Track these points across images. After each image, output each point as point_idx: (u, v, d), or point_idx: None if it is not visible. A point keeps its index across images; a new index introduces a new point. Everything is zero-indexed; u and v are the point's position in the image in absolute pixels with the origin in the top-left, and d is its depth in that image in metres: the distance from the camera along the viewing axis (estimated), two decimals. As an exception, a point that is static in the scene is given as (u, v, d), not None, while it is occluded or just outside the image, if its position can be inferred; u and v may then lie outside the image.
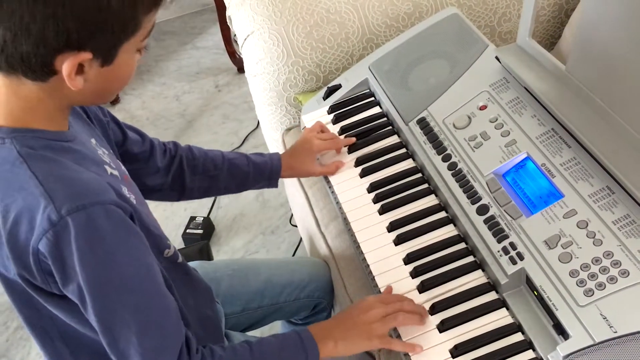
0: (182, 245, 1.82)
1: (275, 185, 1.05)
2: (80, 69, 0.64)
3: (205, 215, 1.90)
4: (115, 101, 2.48)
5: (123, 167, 0.82)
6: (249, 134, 2.23)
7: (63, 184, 0.64)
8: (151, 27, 0.67)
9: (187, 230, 1.84)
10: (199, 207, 1.97)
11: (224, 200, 1.99)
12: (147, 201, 0.85)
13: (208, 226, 1.86)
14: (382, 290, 0.88)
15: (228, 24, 1.48)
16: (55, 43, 0.60)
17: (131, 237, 0.67)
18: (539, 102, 0.93)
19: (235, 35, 1.46)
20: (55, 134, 0.69)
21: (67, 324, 0.72)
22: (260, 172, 1.03)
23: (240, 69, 2.53)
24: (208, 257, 1.75)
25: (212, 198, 1.98)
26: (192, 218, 1.87)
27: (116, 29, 0.62)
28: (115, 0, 0.60)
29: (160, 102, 2.49)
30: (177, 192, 1.00)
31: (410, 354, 0.79)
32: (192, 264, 1.06)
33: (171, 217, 1.95)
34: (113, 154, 0.83)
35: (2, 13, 0.59)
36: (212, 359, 0.73)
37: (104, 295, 0.65)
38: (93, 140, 0.79)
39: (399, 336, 0.82)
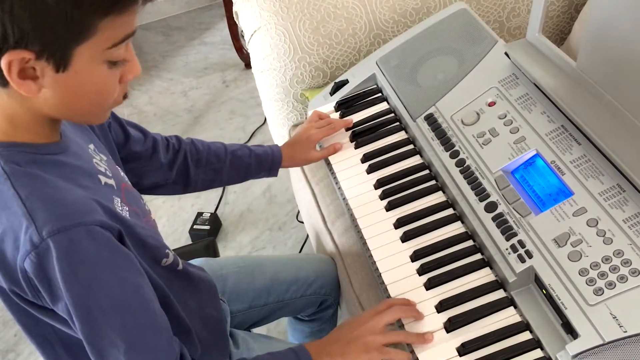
0: (189, 241, 1.83)
1: (275, 175, 1.07)
2: (32, 74, 0.60)
3: (213, 211, 1.90)
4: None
5: (122, 174, 0.80)
6: (256, 130, 2.23)
7: (45, 204, 0.62)
8: (121, 36, 0.62)
9: (194, 226, 1.84)
10: (206, 203, 1.97)
11: (231, 196, 1.99)
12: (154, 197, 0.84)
13: (215, 222, 1.86)
14: (388, 287, 0.87)
15: (235, 19, 1.47)
16: None
17: (116, 257, 0.65)
18: (548, 98, 0.92)
19: (242, 30, 1.46)
20: (43, 147, 0.67)
21: (65, 331, 0.71)
22: (261, 163, 1.04)
23: (248, 65, 2.53)
24: (214, 253, 1.74)
25: (219, 194, 1.98)
26: (199, 214, 1.87)
27: (57, 28, 0.57)
28: None
29: (167, 97, 2.49)
30: (182, 185, 1.00)
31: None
32: (198, 261, 1.06)
33: (178, 213, 1.96)
34: (112, 159, 0.81)
35: None
36: None
37: (90, 317, 0.64)
38: (91, 146, 0.77)
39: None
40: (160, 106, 2.45)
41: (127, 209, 0.72)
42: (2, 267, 0.64)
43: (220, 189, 2.00)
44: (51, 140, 0.69)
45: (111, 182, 0.74)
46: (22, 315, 0.70)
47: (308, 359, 0.78)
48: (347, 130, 1.12)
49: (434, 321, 0.81)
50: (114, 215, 0.68)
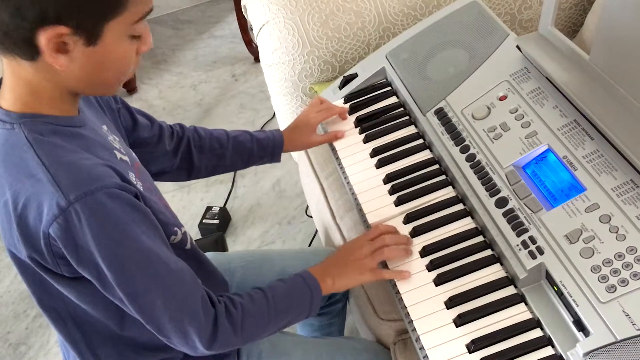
0: (199, 236, 1.83)
1: (278, 160, 1.09)
2: (64, 48, 0.64)
3: (222, 206, 1.90)
4: (132, 91, 2.49)
5: (134, 155, 0.84)
6: (265, 124, 2.22)
7: (70, 171, 0.66)
8: (144, 11, 0.67)
9: (204, 221, 1.84)
10: (215, 197, 1.97)
11: (241, 190, 1.99)
12: (161, 184, 0.87)
13: (224, 216, 1.86)
14: (397, 283, 0.87)
15: (243, 13, 1.47)
16: (31, 15, 0.60)
17: (138, 213, 0.69)
18: (561, 92, 0.91)
19: (251, 24, 1.45)
20: (64, 119, 0.70)
21: (77, 307, 0.74)
22: (263, 147, 1.06)
23: (257, 58, 2.52)
24: (223, 248, 1.75)
25: (229, 188, 1.98)
26: (209, 208, 1.87)
27: (93, 5, 0.62)
28: None
29: (177, 91, 2.49)
30: (186, 171, 1.03)
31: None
32: (206, 255, 1.06)
33: (188, 207, 1.96)
34: (123, 141, 0.85)
35: None
36: (233, 306, 0.77)
37: (124, 270, 0.68)
38: (105, 127, 0.80)
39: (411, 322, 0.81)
40: (169, 100, 2.45)
41: (140, 184, 0.76)
42: (24, 234, 0.67)
43: (229, 184, 2.00)
44: (70, 114, 0.72)
45: (126, 158, 0.77)
46: (37, 287, 0.73)
47: (313, 280, 0.83)
48: (350, 114, 1.12)
49: (443, 317, 0.81)
50: (130, 183, 0.71)
